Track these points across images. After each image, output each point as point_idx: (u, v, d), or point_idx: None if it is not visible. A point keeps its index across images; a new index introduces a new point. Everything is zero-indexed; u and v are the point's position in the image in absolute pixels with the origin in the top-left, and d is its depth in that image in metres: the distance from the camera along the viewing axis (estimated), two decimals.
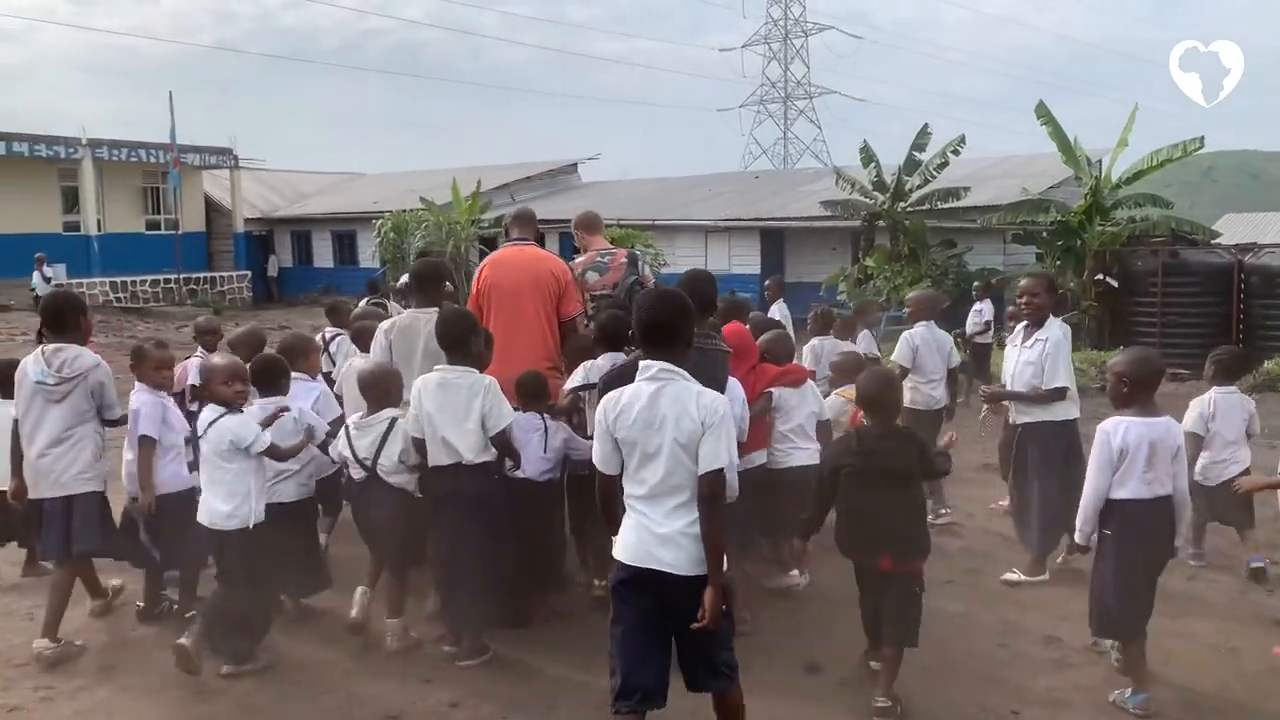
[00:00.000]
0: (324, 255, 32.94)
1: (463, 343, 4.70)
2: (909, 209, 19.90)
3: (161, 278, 29.65)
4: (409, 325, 5.44)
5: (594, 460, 3.52)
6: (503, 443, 4.68)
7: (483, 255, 29.35)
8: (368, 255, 28.64)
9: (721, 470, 3.30)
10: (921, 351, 7.09)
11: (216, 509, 4.63)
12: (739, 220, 24.80)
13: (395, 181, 34.19)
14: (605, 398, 3.50)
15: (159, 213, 32.67)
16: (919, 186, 19.80)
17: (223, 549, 4.69)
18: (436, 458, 4.65)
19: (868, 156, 20.05)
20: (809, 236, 24.42)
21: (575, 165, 34.68)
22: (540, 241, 6.38)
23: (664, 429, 3.32)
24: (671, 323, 3.45)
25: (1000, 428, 6.70)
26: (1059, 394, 5.71)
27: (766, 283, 13.22)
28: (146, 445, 4.99)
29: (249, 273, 32.21)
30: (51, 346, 4.92)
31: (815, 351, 8.21)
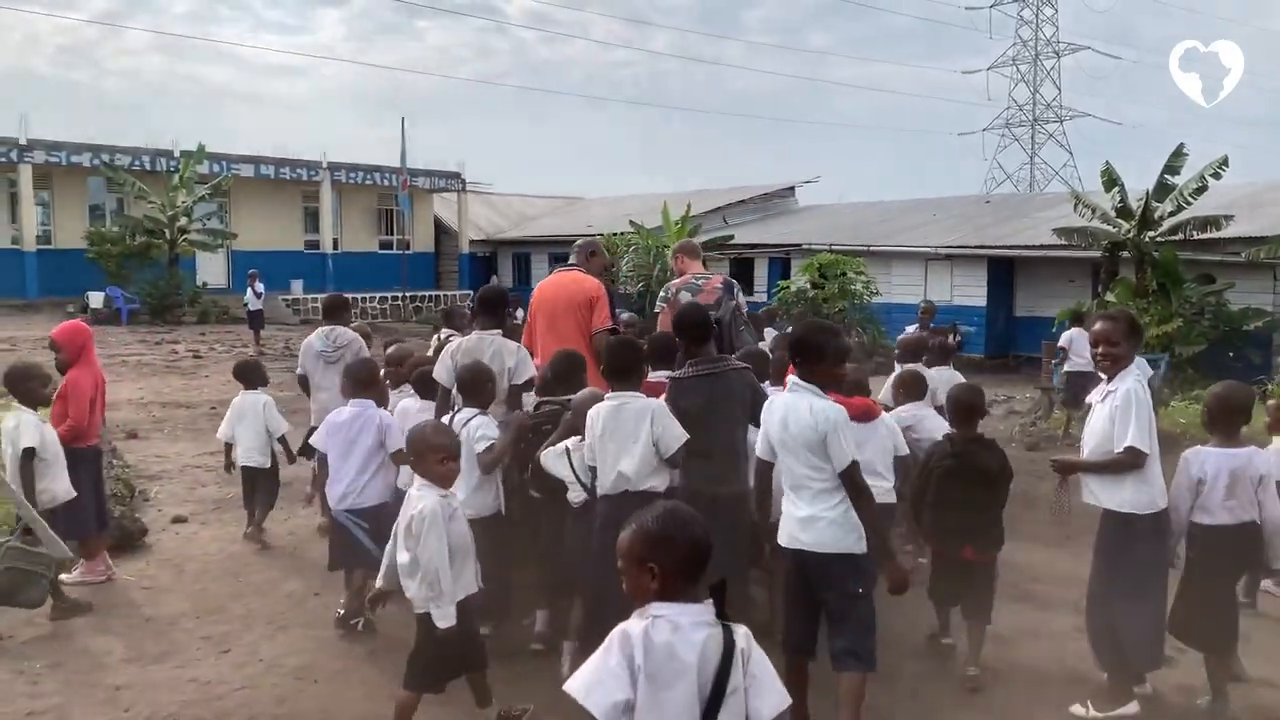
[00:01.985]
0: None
1: (631, 369, 4.80)
2: (1159, 239, 17.65)
3: (390, 295, 31.00)
4: (474, 347, 5.66)
5: (757, 450, 4.28)
6: (677, 463, 4.69)
7: None
8: None
9: (853, 465, 3.96)
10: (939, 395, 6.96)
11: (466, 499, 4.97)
12: (963, 247, 23.00)
13: (612, 205, 34.37)
14: (766, 403, 4.32)
15: (391, 233, 34.27)
16: (1171, 213, 17.50)
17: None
18: (605, 484, 4.66)
19: (1110, 180, 17.90)
20: (1043, 267, 22.32)
21: (792, 189, 33.61)
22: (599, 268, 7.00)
23: (790, 429, 4.03)
24: (814, 343, 4.16)
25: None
26: (1131, 458, 4.39)
27: (920, 304, 12.53)
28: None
29: (471, 292, 33.14)
30: (327, 327, 7.34)
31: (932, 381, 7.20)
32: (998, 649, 5.20)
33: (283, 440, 7.43)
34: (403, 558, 4.03)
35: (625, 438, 4.58)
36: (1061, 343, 12.66)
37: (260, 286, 20.92)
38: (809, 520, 3.99)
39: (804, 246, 24.89)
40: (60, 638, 5.42)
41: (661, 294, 7.00)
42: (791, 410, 4.05)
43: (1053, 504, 5.12)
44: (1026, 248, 22.06)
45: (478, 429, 5.06)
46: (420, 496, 4.05)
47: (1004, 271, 22.94)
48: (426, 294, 32.43)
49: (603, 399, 4.81)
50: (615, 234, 26.99)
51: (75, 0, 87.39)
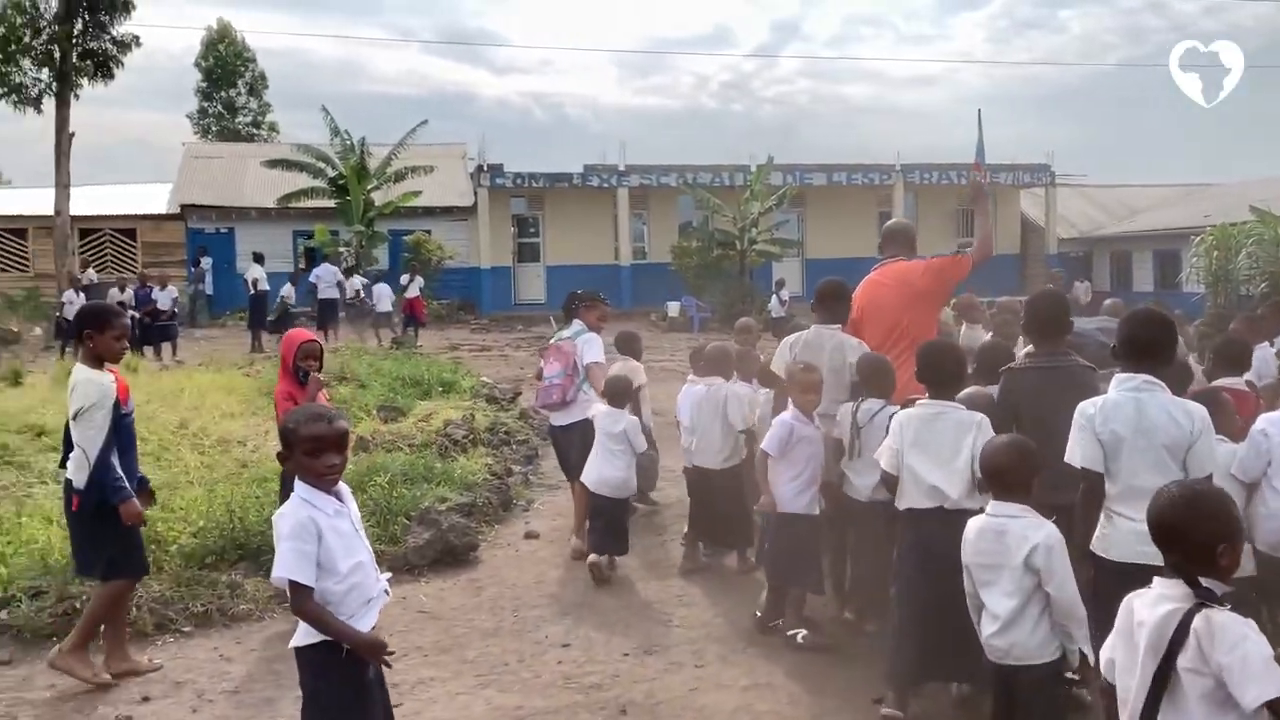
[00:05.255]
0: (1144, 278, 28.90)
1: (954, 377, 4.49)
2: None
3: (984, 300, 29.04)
4: (813, 340, 5.70)
5: (1081, 460, 3.78)
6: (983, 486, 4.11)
7: None
8: (1186, 276, 24.24)
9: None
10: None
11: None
12: None
13: (1240, 191, 28.45)
14: (1088, 403, 3.85)
15: (970, 234, 32.15)
16: None
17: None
18: (914, 499, 4.34)
19: None
20: None
21: None
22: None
23: (1152, 434, 3.68)
24: (1154, 339, 3.86)
25: None
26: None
27: None
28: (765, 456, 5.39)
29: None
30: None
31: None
32: None
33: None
34: (1010, 604, 3.51)
35: (941, 451, 4.28)
36: None
37: (785, 295, 20.68)
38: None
39: None
40: (242, 681, 4.88)
41: None
42: (1150, 411, 3.72)
43: None
44: None
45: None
46: (1034, 523, 3.53)
47: None
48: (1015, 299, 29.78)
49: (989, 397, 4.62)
50: (1232, 224, 22.27)
51: (734, 40, 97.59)
